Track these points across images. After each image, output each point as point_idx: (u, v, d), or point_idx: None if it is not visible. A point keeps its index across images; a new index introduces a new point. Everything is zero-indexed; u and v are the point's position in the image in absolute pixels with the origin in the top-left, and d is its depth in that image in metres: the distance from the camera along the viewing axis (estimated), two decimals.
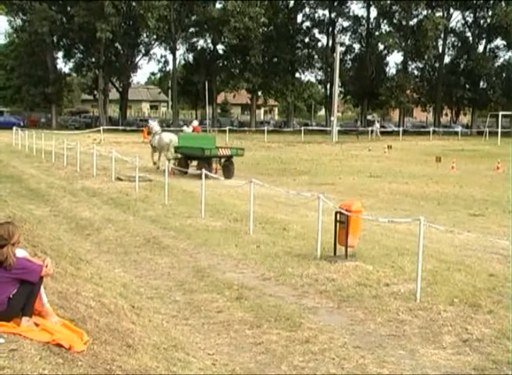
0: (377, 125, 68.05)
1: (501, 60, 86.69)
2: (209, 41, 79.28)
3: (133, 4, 70.54)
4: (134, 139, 50.50)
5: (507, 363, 6.80)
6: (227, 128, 58.65)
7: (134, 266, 11.04)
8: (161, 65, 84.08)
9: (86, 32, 68.89)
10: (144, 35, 79.05)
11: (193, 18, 74.94)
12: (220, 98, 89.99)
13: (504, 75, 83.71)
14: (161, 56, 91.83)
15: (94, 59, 75.43)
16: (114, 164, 23.35)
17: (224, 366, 6.66)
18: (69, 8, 70.04)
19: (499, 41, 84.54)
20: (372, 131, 64.59)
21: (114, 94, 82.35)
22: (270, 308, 8.54)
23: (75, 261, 9.87)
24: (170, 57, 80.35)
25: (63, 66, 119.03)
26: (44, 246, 10.00)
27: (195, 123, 35.32)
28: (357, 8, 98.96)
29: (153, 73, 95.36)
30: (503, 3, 78.41)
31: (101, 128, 55.63)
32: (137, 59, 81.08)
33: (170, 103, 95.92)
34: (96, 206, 17.68)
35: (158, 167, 26.69)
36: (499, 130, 60.80)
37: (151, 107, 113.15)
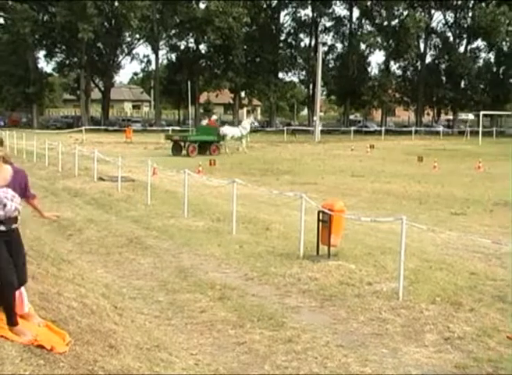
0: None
1: (481, 61, 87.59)
2: (192, 40, 79.18)
3: (116, 4, 70.25)
4: (116, 139, 50.32)
5: (488, 361, 6.86)
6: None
7: (117, 267, 10.99)
8: (143, 65, 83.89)
9: (68, 32, 68.53)
10: (127, 35, 78.80)
11: (177, 18, 74.74)
12: (203, 98, 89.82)
13: (486, 75, 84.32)
14: (144, 56, 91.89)
15: (76, 59, 75.03)
16: (96, 164, 23.23)
17: (207, 366, 6.65)
18: (50, 8, 69.61)
19: (479, 42, 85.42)
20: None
21: (96, 94, 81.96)
22: (253, 308, 8.54)
23: (57, 261, 9.81)
24: (153, 57, 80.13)
25: (45, 65, 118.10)
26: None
27: (214, 117, 44.64)
28: (339, 9, 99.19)
29: (135, 73, 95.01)
30: (482, 4, 79.07)
31: (83, 128, 55.35)
32: (120, 59, 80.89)
33: (153, 103, 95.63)
34: (78, 206, 17.59)
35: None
36: (480, 129, 61.25)
37: (134, 107, 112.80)
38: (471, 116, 79.46)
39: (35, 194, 6.53)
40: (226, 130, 40.71)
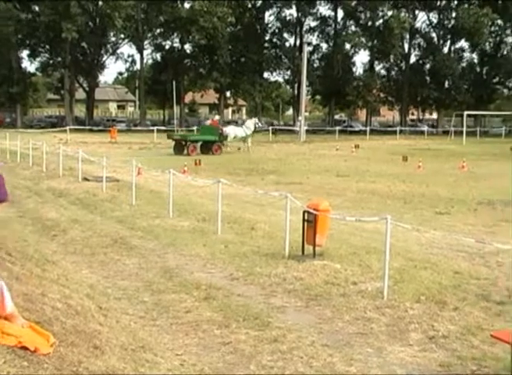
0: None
1: (465, 61, 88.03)
2: (177, 40, 79.03)
3: (100, 3, 69.94)
4: (101, 139, 50.11)
5: (472, 359, 6.90)
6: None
7: (101, 267, 10.95)
8: (128, 64, 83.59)
9: (52, 31, 68.13)
10: (111, 34, 78.46)
11: (161, 17, 74.55)
12: (188, 98, 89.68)
13: (469, 76, 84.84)
14: (129, 56, 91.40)
15: (60, 59, 74.63)
16: (81, 164, 23.13)
17: (192, 366, 6.64)
18: (34, 7, 69.19)
19: (463, 43, 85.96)
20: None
21: (80, 94, 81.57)
22: (238, 308, 8.54)
23: (41, 262, 9.75)
24: (138, 56, 79.61)
25: (28, 65, 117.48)
26: (9, 247, 9.87)
27: (217, 117, 45.89)
28: (324, 9, 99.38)
29: (120, 73, 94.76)
30: (466, 5, 79.59)
31: (68, 128, 55.07)
32: (104, 59, 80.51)
33: (137, 103, 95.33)
34: (62, 207, 17.50)
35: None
36: (464, 129, 61.62)
37: (118, 107, 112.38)
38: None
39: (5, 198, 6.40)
40: (230, 130, 41.82)
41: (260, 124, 48.24)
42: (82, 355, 5.68)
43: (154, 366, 6.29)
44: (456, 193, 21.65)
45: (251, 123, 43.24)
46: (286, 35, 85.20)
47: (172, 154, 37.49)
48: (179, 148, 38.61)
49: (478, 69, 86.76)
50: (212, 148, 39.04)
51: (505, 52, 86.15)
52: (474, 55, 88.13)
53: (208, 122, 43.98)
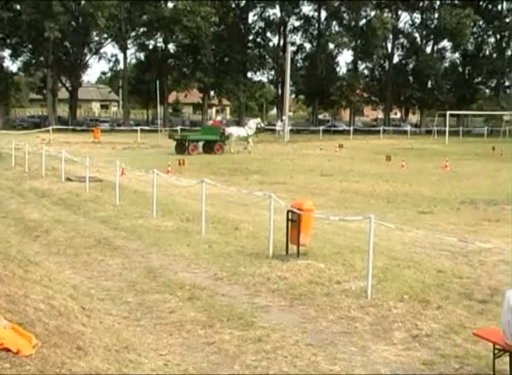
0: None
1: (448, 61, 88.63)
2: (160, 40, 78.75)
3: (82, 2, 69.54)
4: (84, 139, 49.85)
5: (455, 357, 6.95)
6: (179, 128, 58.31)
7: (85, 268, 10.90)
8: (111, 64, 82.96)
9: (34, 30, 67.62)
10: (94, 34, 78.02)
11: (145, 17, 74.27)
12: (171, 98, 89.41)
13: (452, 76, 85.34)
14: (112, 55, 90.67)
15: (42, 58, 74.06)
16: (64, 164, 23.01)
17: (176, 367, 6.63)
18: (16, 6, 68.65)
19: (445, 43, 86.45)
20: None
21: (63, 94, 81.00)
22: (222, 308, 8.54)
23: (23, 263, 9.68)
24: (121, 56, 79.12)
25: (10, 64, 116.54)
26: None
27: (218, 117, 46.48)
28: (307, 9, 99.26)
29: (103, 73, 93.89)
30: (448, 6, 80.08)
31: (50, 128, 54.66)
32: (87, 58, 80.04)
33: (121, 103, 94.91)
34: (45, 207, 17.40)
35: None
36: (447, 129, 61.99)
37: (102, 106, 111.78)
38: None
39: None
40: (232, 130, 42.59)
41: (262, 124, 49.02)
42: (65, 356, 5.65)
43: (138, 366, 6.27)
44: (439, 192, 21.77)
45: (253, 123, 44.06)
46: (269, 35, 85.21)
47: (150, 154, 37.31)
48: (181, 147, 39.22)
49: (460, 70, 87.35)
50: (214, 147, 39.85)
51: (487, 53, 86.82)
52: (457, 56, 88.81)
53: (210, 122, 44.88)
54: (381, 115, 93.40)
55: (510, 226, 15.47)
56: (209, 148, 40.04)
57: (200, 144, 40.40)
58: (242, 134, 42.45)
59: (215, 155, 38.65)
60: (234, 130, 42.68)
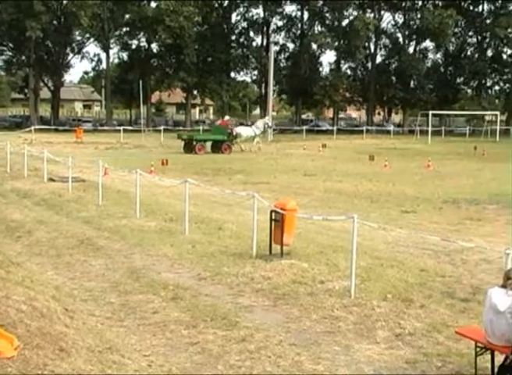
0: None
1: (430, 61, 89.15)
2: (143, 39, 78.51)
3: (64, 2, 69.11)
4: (67, 139, 49.54)
5: (437, 355, 7.00)
6: (162, 128, 58.11)
7: (67, 268, 10.84)
8: (94, 63, 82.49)
9: (15, 29, 67.11)
10: (77, 33, 77.58)
11: (127, 16, 73.94)
12: (155, 98, 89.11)
13: (434, 76, 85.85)
14: (95, 55, 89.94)
15: (24, 57, 73.51)
16: (46, 164, 22.87)
17: (160, 367, 6.61)
18: None
19: (428, 43, 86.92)
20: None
21: (45, 93, 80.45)
22: (206, 308, 8.53)
23: (5, 264, 9.61)
24: (103, 55, 78.62)
25: None
26: None
27: (226, 117, 46.69)
28: (290, 9, 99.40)
29: (86, 72, 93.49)
30: (430, 6, 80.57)
31: (33, 128, 54.27)
32: (70, 58, 79.53)
33: (104, 102, 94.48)
34: (27, 208, 17.27)
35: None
36: (430, 128, 62.33)
37: (84, 106, 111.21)
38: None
39: None
40: (240, 129, 43.68)
41: (269, 124, 49.79)
42: (47, 357, 5.62)
43: (122, 367, 6.25)
44: (422, 192, 21.89)
45: (261, 123, 45.52)
46: (252, 35, 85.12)
47: (133, 154, 37.23)
48: (189, 147, 40.39)
49: (442, 70, 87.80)
50: (222, 147, 40.91)
51: (468, 53, 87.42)
52: (439, 56, 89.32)
53: (218, 122, 45.65)
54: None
55: (492, 225, 15.61)
56: (217, 147, 41.08)
57: (208, 143, 41.59)
58: (250, 134, 43.61)
59: (216, 154, 39.40)
60: (242, 130, 43.77)
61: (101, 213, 16.00)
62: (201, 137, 42.62)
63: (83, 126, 61.07)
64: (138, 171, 16.38)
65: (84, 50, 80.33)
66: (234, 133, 41.91)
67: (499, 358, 6.19)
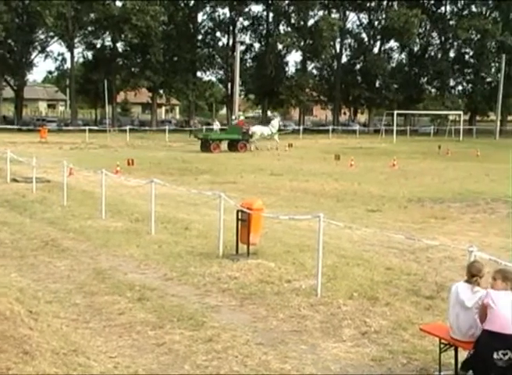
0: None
1: (395, 61, 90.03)
2: (109, 39, 77.78)
3: (27, 1, 68.17)
4: (31, 139, 48.91)
5: (403, 352, 7.07)
6: (127, 127, 57.72)
7: (31, 270, 10.70)
8: (58, 63, 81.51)
9: None
10: (40, 32, 76.59)
11: (92, 15, 73.20)
12: (120, 97, 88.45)
13: (399, 75, 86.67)
14: (59, 54, 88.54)
15: None
16: (9, 165, 22.56)
17: (126, 369, 6.57)
18: None
19: (392, 43, 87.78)
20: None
21: (8, 93, 79.37)
22: (173, 309, 8.49)
23: None
24: (68, 55, 77.71)
25: None
26: None
27: (241, 117, 47.48)
28: (256, 9, 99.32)
29: (50, 72, 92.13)
30: (395, 6, 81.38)
31: None
32: (33, 57, 78.51)
33: (68, 102, 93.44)
34: None
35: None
36: (395, 128, 62.93)
37: (49, 106, 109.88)
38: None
39: None
40: (256, 128, 45.58)
41: (280, 123, 51.91)
42: (10, 361, 5.55)
43: (87, 369, 6.20)
44: (388, 191, 22.09)
45: (276, 122, 47.03)
46: (218, 34, 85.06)
47: (98, 154, 37.00)
48: (206, 145, 42.02)
49: (406, 70, 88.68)
50: (238, 146, 42.76)
51: (432, 54, 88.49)
52: (403, 56, 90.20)
53: (235, 122, 46.91)
54: (330, 114, 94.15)
55: (456, 223, 15.83)
56: (233, 146, 42.97)
57: (224, 142, 43.45)
58: (266, 133, 45.25)
59: (212, 153, 40.21)
60: (258, 129, 45.51)
61: (66, 214, 15.83)
62: (217, 137, 44.63)
63: (48, 126, 60.34)
64: (104, 171, 16.24)
65: (48, 49, 79.44)
66: (250, 132, 43.54)
67: (463, 354, 6.28)
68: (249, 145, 43.63)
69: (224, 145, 43.42)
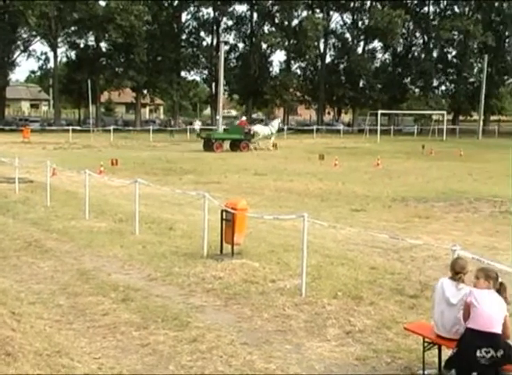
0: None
1: (378, 61, 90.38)
2: (92, 38, 77.45)
3: (8, 1, 67.70)
4: (13, 139, 48.59)
5: (387, 351, 7.10)
6: (111, 127, 57.51)
7: (14, 271, 10.62)
8: (41, 62, 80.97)
9: None
10: (22, 31, 76.06)
11: (76, 15, 72.78)
12: (104, 97, 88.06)
13: (383, 75, 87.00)
14: (42, 53, 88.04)
15: None
16: None
17: (110, 370, 6.54)
18: None
19: (376, 43, 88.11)
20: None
21: None
22: (157, 309, 8.47)
23: None
24: (51, 54, 77.23)
25: None
26: None
27: (243, 118, 49.60)
28: (241, 9, 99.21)
29: (33, 71, 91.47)
30: (379, 6, 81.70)
31: None
32: (15, 56, 77.97)
33: (52, 102, 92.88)
34: None
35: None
36: (379, 128, 63.17)
37: (32, 106, 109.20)
38: None
39: None
40: (257, 128, 46.23)
41: (280, 124, 53.02)
42: None
43: (71, 370, 6.17)
44: (372, 190, 22.16)
45: (276, 123, 48.28)
46: (203, 34, 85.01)
47: (82, 154, 36.85)
48: (208, 145, 43.12)
49: (390, 70, 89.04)
50: (240, 145, 43.53)
51: (415, 54, 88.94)
52: (387, 56, 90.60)
53: (237, 122, 47.84)
54: (314, 114, 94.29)
55: (440, 222, 15.92)
56: (235, 146, 43.69)
57: (226, 142, 44.24)
58: (267, 132, 45.94)
59: (213, 153, 40.65)
60: (259, 129, 46.15)
61: (49, 214, 15.74)
62: (219, 136, 45.03)
63: (31, 126, 60.02)
64: (87, 171, 16.17)
65: (31, 48, 78.92)
66: (252, 132, 44.30)
67: (447, 353, 6.32)
68: (251, 145, 44.32)
69: (225, 145, 43.80)
